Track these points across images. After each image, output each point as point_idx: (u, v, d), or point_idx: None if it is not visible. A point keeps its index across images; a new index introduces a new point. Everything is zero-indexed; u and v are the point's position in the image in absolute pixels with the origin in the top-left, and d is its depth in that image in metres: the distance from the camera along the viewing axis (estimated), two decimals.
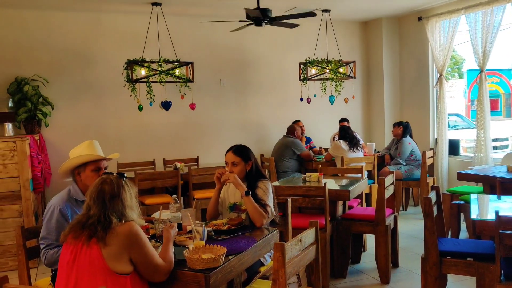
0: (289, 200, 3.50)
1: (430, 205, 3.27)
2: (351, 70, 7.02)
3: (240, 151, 3.23)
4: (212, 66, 7.32)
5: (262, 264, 3.14)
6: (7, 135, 5.88)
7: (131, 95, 6.02)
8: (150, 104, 6.13)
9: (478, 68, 6.47)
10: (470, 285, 4.00)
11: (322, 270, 2.86)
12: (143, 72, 6.00)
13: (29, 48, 6.32)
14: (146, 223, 2.77)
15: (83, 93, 6.64)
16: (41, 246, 2.68)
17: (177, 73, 6.14)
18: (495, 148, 8.26)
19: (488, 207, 3.50)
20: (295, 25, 5.95)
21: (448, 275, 3.40)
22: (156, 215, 2.90)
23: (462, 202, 5.07)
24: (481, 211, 3.36)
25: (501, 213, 2.81)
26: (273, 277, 2.30)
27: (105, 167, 2.80)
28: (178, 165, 6.08)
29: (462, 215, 5.19)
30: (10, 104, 6.06)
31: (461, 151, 7.61)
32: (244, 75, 7.59)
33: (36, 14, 6.36)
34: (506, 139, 11.28)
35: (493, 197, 3.83)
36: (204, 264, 2.23)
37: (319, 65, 6.84)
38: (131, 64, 5.92)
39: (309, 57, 6.90)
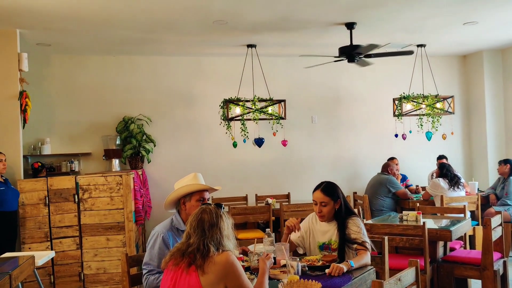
0: (386, 238, 3.36)
1: None
2: (449, 105, 6.72)
3: (329, 190, 3.17)
4: (304, 103, 7.42)
5: None
6: (114, 170, 6.38)
7: (226, 132, 6.28)
8: (244, 141, 6.32)
9: None
10: None
11: None
12: (238, 110, 6.25)
13: (136, 90, 6.89)
14: (241, 255, 2.82)
15: (183, 131, 7.05)
16: (144, 272, 2.82)
17: (269, 111, 6.31)
18: None
19: None
20: (409, 52, 5.79)
21: None
22: (250, 247, 2.94)
23: None
24: None
25: None
26: None
27: (207, 199, 2.92)
28: (270, 200, 6.15)
29: None
30: (117, 142, 6.60)
31: None
32: (336, 112, 7.58)
33: (145, 59, 6.95)
34: None
35: None
36: None
37: (414, 100, 6.64)
38: (227, 103, 6.21)
39: (404, 92, 6.74)
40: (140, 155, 6.64)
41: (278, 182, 7.27)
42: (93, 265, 5.19)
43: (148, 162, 6.78)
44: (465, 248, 4.91)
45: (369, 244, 3.06)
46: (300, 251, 3.30)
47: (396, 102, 6.81)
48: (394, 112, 6.84)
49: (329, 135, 7.54)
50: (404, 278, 2.43)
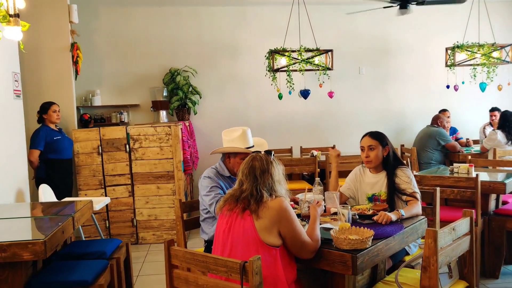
0: (438, 189, 3.31)
1: None
2: (507, 54, 6.35)
3: (377, 135, 3.14)
4: (352, 54, 7.22)
5: (407, 253, 3.03)
6: (161, 121, 6.51)
7: (271, 84, 6.22)
8: (289, 92, 6.26)
9: None
10: None
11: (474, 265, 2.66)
12: (283, 61, 6.15)
13: (181, 41, 6.89)
14: (291, 203, 2.85)
15: (228, 83, 7.05)
16: (211, 207, 2.93)
17: (316, 62, 6.17)
18: None
19: None
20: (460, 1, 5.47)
21: None
22: (300, 195, 2.96)
23: None
24: None
25: None
26: (423, 264, 2.21)
27: None
28: (315, 152, 6.13)
29: None
30: (164, 93, 6.69)
31: None
32: (384, 63, 7.36)
33: (189, 10, 6.90)
34: None
35: None
36: (351, 245, 2.23)
37: (469, 49, 6.31)
38: (272, 54, 6.11)
39: (457, 41, 6.41)
40: (187, 106, 6.72)
41: (323, 135, 7.22)
42: (144, 211, 5.41)
43: (195, 114, 6.86)
44: None
45: (419, 194, 3.02)
46: (352, 203, 3.31)
47: (449, 51, 6.50)
48: (446, 62, 6.54)
49: (376, 87, 7.35)
50: (458, 228, 2.41)
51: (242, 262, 1.85)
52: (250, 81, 7.04)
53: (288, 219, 2.19)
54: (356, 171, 3.28)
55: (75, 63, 5.60)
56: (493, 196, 4.17)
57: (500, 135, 5.84)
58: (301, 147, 6.82)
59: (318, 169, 5.79)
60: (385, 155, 3.11)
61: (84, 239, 4.52)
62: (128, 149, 5.35)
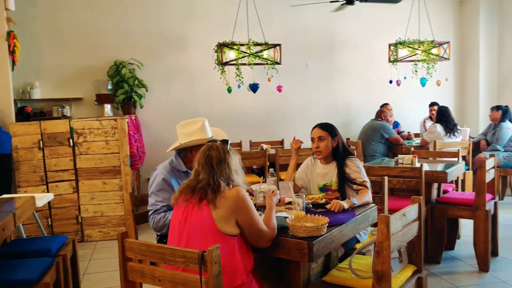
0: (386, 178, 3.42)
1: None
2: (445, 51, 6.67)
3: (327, 126, 3.21)
4: (299, 48, 7.31)
5: (358, 241, 3.11)
6: (106, 115, 6.30)
7: (220, 78, 6.18)
8: (239, 86, 6.25)
9: None
10: None
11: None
12: (232, 54, 6.13)
13: (127, 32, 6.69)
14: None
15: (175, 76, 6.92)
16: (149, 213, 2.84)
17: (265, 56, 6.19)
18: None
19: None
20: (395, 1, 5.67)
21: None
22: (254, 187, 2.96)
23: None
24: None
25: None
26: (377, 249, 2.27)
27: None
28: (265, 146, 6.17)
29: None
30: (109, 86, 6.47)
31: None
32: (331, 58, 7.52)
33: (134, 0, 6.69)
34: None
35: None
36: (308, 232, 2.25)
37: (410, 46, 6.58)
38: (221, 47, 6.07)
39: (400, 38, 6.65)
40: (133, 100, 6.54)
41: (272, 129, 7.28)
42: (90, 208, 5.22)
43: (141, 108, 6.69)
44: (457, 191, 5.03)
45: (368, 183, 3.11)
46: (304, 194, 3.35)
47: (392, 47, 6.74)
48: (389, 58, 6.78)
49: (323, 81, 7.50)
50: (408, 213, 2.49)
51: (201, 252, 1.81)
52: (198, 74, 6.96)
53: (246, 208, 2.18)
54: (308, 162, 3.33)
55: (12, 53, 5.29)
56: (435, 186, 4.37)
57: (440, 128, 6.14)
58: (250, 141, 6.84)
59: (268, 163, 5.83)
60: (334, 146, 3.18)
61: (25, 238, 4.29)
62: (71, 144, 5.13)
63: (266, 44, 6.17)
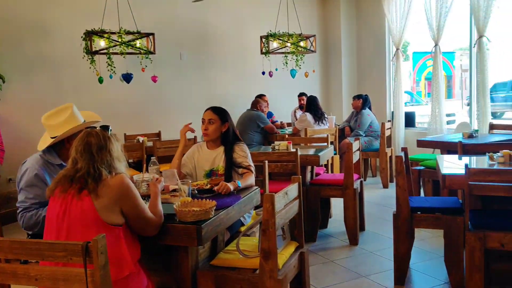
0: (266, 161, 3.53)
1: (401, 163, 3.39)
2: (311, 44, 7.09)
3: (219, 110, 3.23)
4: (173, 39, 7.19)
5: (243, 224, 3.17)
6: None
7: (90, 67, 5.81)
8: (110, 76, 5.94)
9: (429, 49, 6.72)
10: (431, 241, 4.22)
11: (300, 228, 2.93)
12: (102, 43, 5.81)
13: None
14: None
15: (38, 66, 6.33)
16: (18, 210, 2.56)
17: (138, 45, 5.98)
18: None
19: (453, 165, 3.68)
20: None
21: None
22: (136, 177, 2.84)
23: (422, 167, 5.28)
24: (448, 168, 3.53)
25: None
26: (263, 227, 2.34)
27: None
28: (141, 139, 5.97)
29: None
30: None
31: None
32: (205, 49, 7.52)
33: None
34: (453, 114, 11.94)
35: (454, 157, 4.04)
36: (196, 216, 2.23)
37: (280, 38, 6.86)
38: (90, 35, 5.71)
39: (270, 30, 6.91)
40: None
41: (149, 121, 7.05)
42: None
43: None
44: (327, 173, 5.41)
45: (253, 168, 3.19)
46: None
47: (263, 40, 6.97)
48: (261, 50, 7.00)
49: (199, 72, 7.48)
50: (290, 192, 2.61)
51: (85, 243, 1.68)
52: (64, 64, 6.45)
53: (131, 196, 2.08)
54: (194, 149, 3.31)
55: None
56: (309, 169, 4.65)
57: (309, 117, 6.53)
58: (125, 134, 6.55)
59: (146, 155, 5.66)
60: (223, 131, 3.20)
61: None
62: None
63: (138, 33, 5.95)
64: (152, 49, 6.05)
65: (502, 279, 3.21)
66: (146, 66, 6.10)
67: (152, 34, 6.03)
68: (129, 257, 2.04)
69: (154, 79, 6.31)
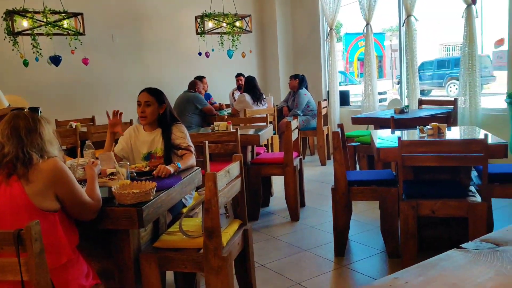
0: (206, 142, 3.50)
1: (338, 139, 3.48)
2: (247, 24, 7.07)
3: (155, 92, 3.12)
4: (104, 20, 6.89)
5: (185, 206, 3.13)
6: None
7: (13, 50, 5.46)
8: (36, 59, 5.63)
9: (360, 31, 6.91)
10: (368, 214, 4.40)
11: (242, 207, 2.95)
12: (25, 23, 5.46)
13: None
14: None
15: None
16: None
17: (65, 25, 5.68)
18: None
19: (387, 139, 3.83)
20: None
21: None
22: (69, 162, 2.71)
23: (357, 143, 5.47)
24: (382, 141, 3.67)
25: None
26: (206, 206, 2.32)
27: None
28: (74, 124, 5.72)
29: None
30: None
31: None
32: (138, 30, 7.28)
33: None
34: (385, 92, 12.45)
35: (387, 131, 4.21)
36: (136, 198, 2.17)
37: (215, 18, 6.78)
38: (11, 15, 5.35)
39: (205, 10, 6.79)
40: None
41: (82, 105, 6.76)
42: None
43: None
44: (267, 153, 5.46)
45: (193, 148, 3.14)
46: None
47: (198, 20, 6.85)
48: (196, 30, 6.89)
49: (133, 55, 7.24)
50: (231, 170, 2.60)
51: (17, 231, 1.59)
52: None
53: (66, 180, 1.98)
54: (130, 131, 3.19)
55: None
56: (249, 149, 4.66)
57: (248, 98, 6.53)
58: (56, 120, 6.21)
59: (80, 141, 5.43)
60: (161, 113, 3.11)
61: None
62: None
63: (65, 12, 5.65)
64: (81, 30, 5.78)
65: (433, 244, 3.41)
66: (75, 48, 5.83)
67: (81, 14, 5.76)
68: (67, 243, 1.95)
69: (85, 61, 6.04)
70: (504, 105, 5.30)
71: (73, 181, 2.03)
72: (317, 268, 3.36)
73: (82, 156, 2.95)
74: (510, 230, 1.48)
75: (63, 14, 5.62)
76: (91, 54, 6.39)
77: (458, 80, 6.30)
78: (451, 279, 1.15)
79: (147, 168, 2.78)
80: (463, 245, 1.36)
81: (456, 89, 12.61)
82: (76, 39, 5.72)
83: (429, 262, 1.27)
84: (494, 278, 1.14)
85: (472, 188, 3.31)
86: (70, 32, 5.68)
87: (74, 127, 5.56)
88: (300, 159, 4.84)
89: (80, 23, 5.79)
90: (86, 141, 2.96)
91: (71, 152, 5.65)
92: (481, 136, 3.47)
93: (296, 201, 4.45)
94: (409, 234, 3.07)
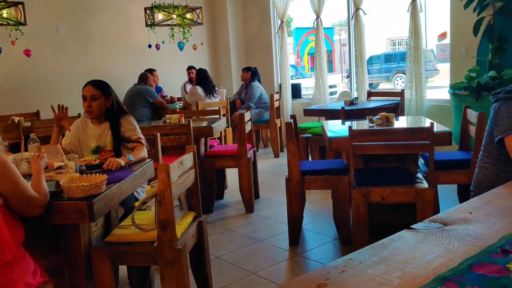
0: (158, 134, 3.44)
1: (291, 129, 3.51)
2: (198, 16, 6.98)
3: (101, 85, 3.01)
4: (47, 9, 6.60)
5: (137, 199, 3.06)
6: None
7: None
8: None
9: (310, 25, 7.00)
10: (321, 203, 4.48)
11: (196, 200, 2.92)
12: None
13: None
14: None
15: None
16: None
17: (5, 15, 5.40)
18: None
19: (338, 129, 3.91)
20: None
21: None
22: (14, 156, 2.58)
23: (309, 135, 5.54)
24: (333, 131, 3.74)
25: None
26: (159, 198, 2.28)
27: None
28: (17, 119, 5.45)
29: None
30: None
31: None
32: (85, 22, 7.02)
33: None
34: (335, 86, 12.71)
35: (338, 122, 4.30)
36: (86, 191, 2.09)
37: (165, 10, 6.64)
38: None
39: (155, 2, 6.65)
40: None
41: (25, 99, 6.44)
42: None
43: None
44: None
45: (144, 140, 3.07)
46: None
47: (148, 11, 6.70)
48: (146, 22, 6.73)
49: (79, 47, 6.98)
50: (185, 162, 2.57)
51: None
52: None
53: (9, 174, 1.88)
54: (78, 124, 3.08)
55: None
56: (202, 141, 4.62)
57: (200, 90, 6.47)
58: None
59: (23, 137, 5.18)
60: (108, 106, 3.01)
61: None
62: None
63: (4, 1, 5.38)
64: (22, 20, 5.50)
65: (384, 231, 3.51)
66: (17, 38, 5.55)
67: (22, 3, 5.48)
68: (11, 240, 1.85)
69: (27, 53, 5.77)
70: (447, 96, 5.53)
71: (17, 174, 1.92)
72: (272, 257, 3.39)
73: (26, 150, 2.82)
74: (457, 211, 1.55)
75: (3, 3, 5.34)
76: (34, 46, 6.11)
77: (404, 73, 6.52)
78: (402, 257, 1.19)
79: (97, 161, 2.70)
80: (413, 226, 1.41)
81: (403, 82, 13.09)
82: (17, 29, 5.45)
83: (382, 242, 1.31)
84: (443, 255, 1.19)
85: (420, 175, 3.44)
86: (10, 22, 5.41)
87: (16, 121, 5.30)
88: (254, 151, 4.85)
89: (21, 12, 5.52)
90: (31, 135, 2.83)
91: (14, 148, 5.37)
92: (427, 125, 3.60)
93: (250, 193, 4.47)
94: (361, 221, 3.15)
